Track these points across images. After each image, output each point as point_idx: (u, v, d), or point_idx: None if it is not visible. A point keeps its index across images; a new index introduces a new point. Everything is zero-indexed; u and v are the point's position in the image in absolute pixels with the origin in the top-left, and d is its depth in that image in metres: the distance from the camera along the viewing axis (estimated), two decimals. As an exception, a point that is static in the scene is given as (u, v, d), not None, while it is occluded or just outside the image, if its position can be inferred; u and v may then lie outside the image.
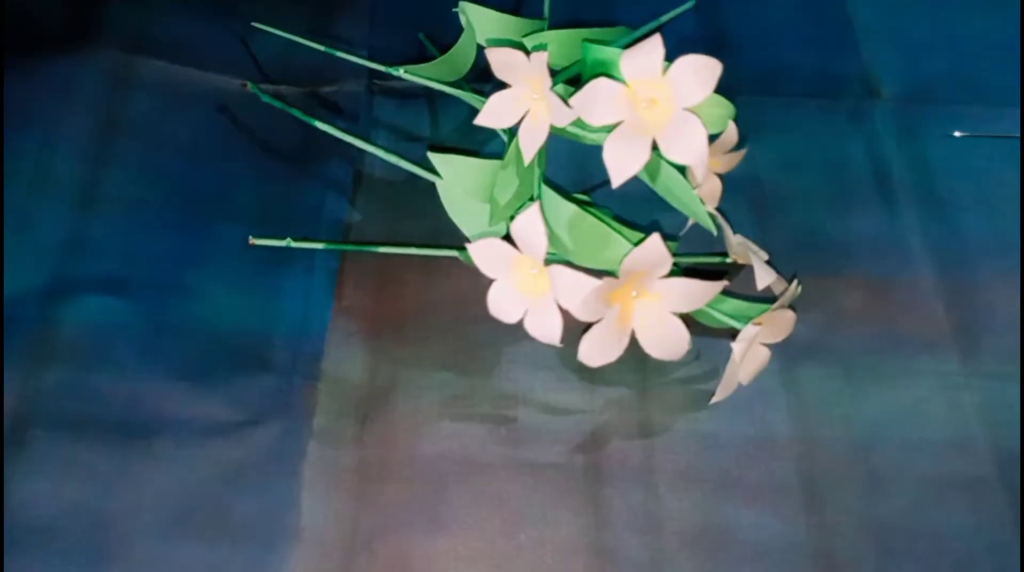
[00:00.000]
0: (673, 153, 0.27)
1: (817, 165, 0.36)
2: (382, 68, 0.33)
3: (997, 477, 0.29)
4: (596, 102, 0.27)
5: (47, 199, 0.34)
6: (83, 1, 0.39)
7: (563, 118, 0.27)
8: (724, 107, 0.29)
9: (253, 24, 0.36)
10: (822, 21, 0.41)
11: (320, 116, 0.34)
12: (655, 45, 0.27)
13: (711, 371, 0.30)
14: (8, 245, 0.33)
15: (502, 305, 0.28)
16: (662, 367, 0.30)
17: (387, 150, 0.33)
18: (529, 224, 0.27)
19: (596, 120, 0.27)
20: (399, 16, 0.39)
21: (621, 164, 0.27)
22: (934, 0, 0.42)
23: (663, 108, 0.27)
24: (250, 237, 0.32)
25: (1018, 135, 0.37)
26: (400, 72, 0.32)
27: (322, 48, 0.35)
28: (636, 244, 0.27)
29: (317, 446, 0.29)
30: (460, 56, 0.31)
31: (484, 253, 0.28)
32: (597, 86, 0.27)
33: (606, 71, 0.28)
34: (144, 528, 0.27)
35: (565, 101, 0.28)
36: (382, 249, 0.32)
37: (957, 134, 0.37)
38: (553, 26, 0.32)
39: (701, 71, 0.27)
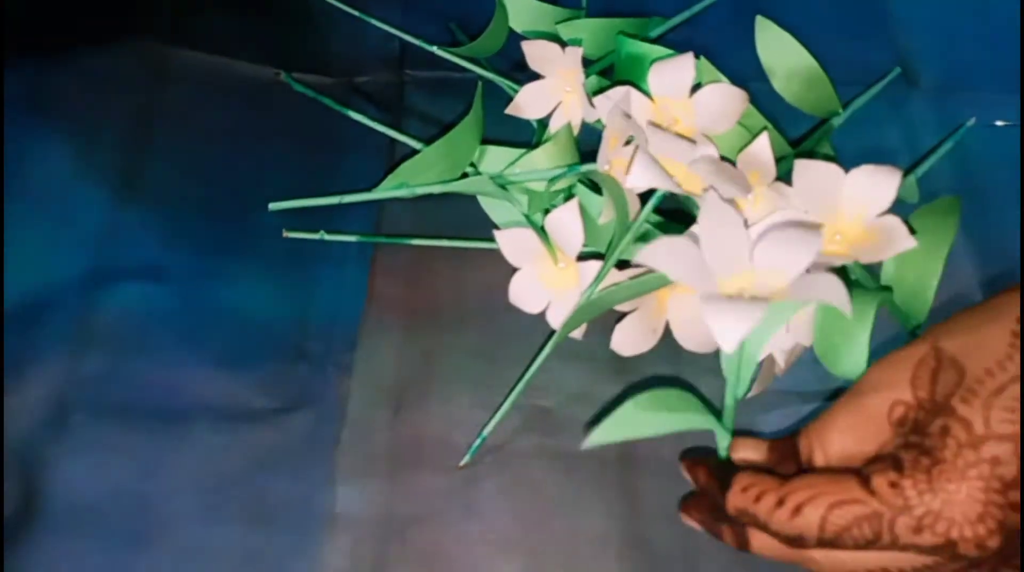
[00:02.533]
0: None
1: (855, 155, 0.36)
2: (417, 42, 0.33)
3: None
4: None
5: (87, 188, 0.34)
6: (121, -6, 0.40)
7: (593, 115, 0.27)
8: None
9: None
10: (859, 10, 0.40)
11: (353, 106, 0.34)
12: (687, 64, 0.26)
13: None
14: (49, 233, 0.33)
15: (524, 295, 0.28)
16: (696, 359, 0.29)
17: (419, 139, 0.33)
18: (566, 218, 0.27)
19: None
20: (431, 5, 0.39)
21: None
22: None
23: (685, 129, 0.27)
24: (284, 230, 0.32)
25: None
26: (435, 49, 0.32)
27: (356, 14, 0.35)
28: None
29: (350, 433, 0.29)
30: (492, 38, 0.31)
31: (511, 243, 0.28)
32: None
33: (638, 65, 0.28)
34: (181, 512, 0.27)
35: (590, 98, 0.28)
36: (414, 241, 0.32)
37: (999, 123, 0.36)
38: (589, 14, 0.32)
39: (729, 99, 0.26)
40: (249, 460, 0.28)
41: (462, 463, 0.28)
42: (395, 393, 0.30)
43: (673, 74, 0.27)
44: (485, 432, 0.28)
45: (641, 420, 0.22)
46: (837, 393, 0.29)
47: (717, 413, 0.24)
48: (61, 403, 0.29)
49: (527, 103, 0.30)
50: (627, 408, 0.22)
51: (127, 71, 0.37)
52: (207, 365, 0.30)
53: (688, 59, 0.26)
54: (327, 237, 0.32)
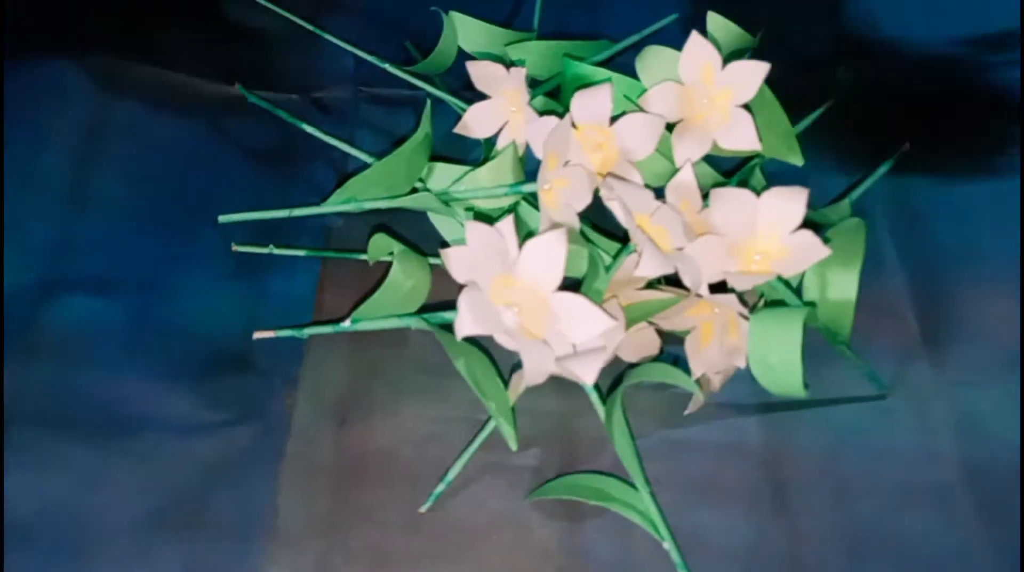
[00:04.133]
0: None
1: (793, 177, 0.37)
2: (371, 58, 0.34)
3: (962, 482, 0.29)
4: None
5: (36, 200, 0.34)
6: (73, 6, 0.40)
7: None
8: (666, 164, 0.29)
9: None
10: (812, 34, 0.41)
11: (307, 120, 0.34)
12: (604, 93, 0.27)
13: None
14: (-6, 244, 0.33)
15: (469, 317, 0.29)
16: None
17: (371, 154, 0.33)
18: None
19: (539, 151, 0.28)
20: (387, 23, 0.40)
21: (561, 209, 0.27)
22: (920, 10, 0.42)
23: (608, 156, 0.28)
24: (232, 244, 0.33)
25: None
26: (387, 66, 0.33)
27: (313, 29, 0.35)
28: (614, 258, 0.27)
29: (295, 446, 0.29)
30: (441, 57, 0.32)
31: (457, 260, 0.29)
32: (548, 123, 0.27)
33: (583, 87, 0.29)
34: (123, 525, 0.27)
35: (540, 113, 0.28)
36: (362, 256, 0.32)
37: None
38: (540, 36, 0.33)
39: (647, 127, 0.27)
40: (193, 473, 0.28)
41: (423, 509, 0.28)
42: (341, 406, 0.30)
43: (593, 103, 0.27)
44: (450, 476, 0.28)
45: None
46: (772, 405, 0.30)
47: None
48: (2, 415, 0.29)
49: (474, 122, 0.31)
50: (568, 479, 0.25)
51: (78, 83, 0.37)
52: (153, 378, 0.30)
53: (606, 89, 0.28)
54: (276, 251, 0.32)
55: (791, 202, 0.25)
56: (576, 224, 0.27)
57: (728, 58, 0.29)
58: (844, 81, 0.39)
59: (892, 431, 0.30)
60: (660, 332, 0.30)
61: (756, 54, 0.30)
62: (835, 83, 0.39)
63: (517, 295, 0.24)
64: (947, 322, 0.33)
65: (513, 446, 0.28)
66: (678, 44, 0.29)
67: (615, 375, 0.29)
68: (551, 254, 0.24)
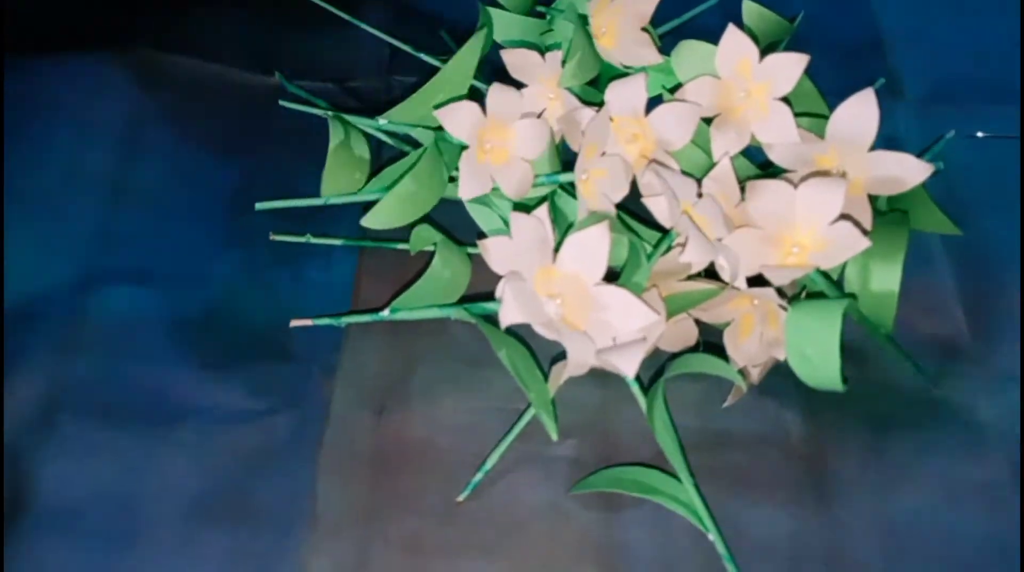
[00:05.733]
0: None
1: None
2: (406, 47, 0.34)
3: (1011, 481, 0.29)
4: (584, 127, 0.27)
5: (79, 192, 0.35)
6: (115, 1, 0.40)
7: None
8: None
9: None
10: (849, 23, 0.41)
11: (342, 108, 0.35)
12: (638, 83, 0.27)
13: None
14: (41, 237, 0.34)
15: (514, 305, 0.29)
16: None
17: (406, 144, 0.33)
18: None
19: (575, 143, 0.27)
20: (422, 13, 0.40)
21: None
22: (958, 2, 0.42)
23: (645, 146, 0.27)
24: (271, 233, 0.33)
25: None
26: (422, 55, 0.33)
27: (349, 19, 0.35)
28: (655, 247, 0.27)
29: (334, 434, 0.29)
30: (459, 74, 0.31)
31: (495, 250, 0.28)
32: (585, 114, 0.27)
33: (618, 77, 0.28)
34: (167, 512, 0.28)
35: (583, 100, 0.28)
36: (399, 245, 0.32)
37: (979, 135, 0.37)
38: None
39: (683, 116, 0.27)
40: (234, 461, 0.29)
41: (460, 498, 0.28)
42: (379, 395, 0.30)
43: (628, 93, 0.27)
44: (487, 465, 0.28)
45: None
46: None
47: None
48: (49, 405, 0.30)
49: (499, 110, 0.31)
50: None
51: (119, 76, 0.38)
52: (194, 367, 0.31)
53: (640, 79, 0.27)
54: (313, 240, 0.33)
55: (830, 193, 0.24)
56: (613, 213, 0.27)
57: (766, 48, 0.28)
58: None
59: (938, 426, 0.30)
60: (697, 321, 0.29)
61: (793, 41, 0.30)
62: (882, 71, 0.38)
63: (560, 286, 0.24)
64: (995, 317, 0.32)
65: (554, 436, 0.27)
66: (716, 24, 0.28)
67: (655, 366, 0.29)
68: (595, 247, 0.24)
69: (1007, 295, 0.33)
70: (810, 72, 0.29)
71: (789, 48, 0.31)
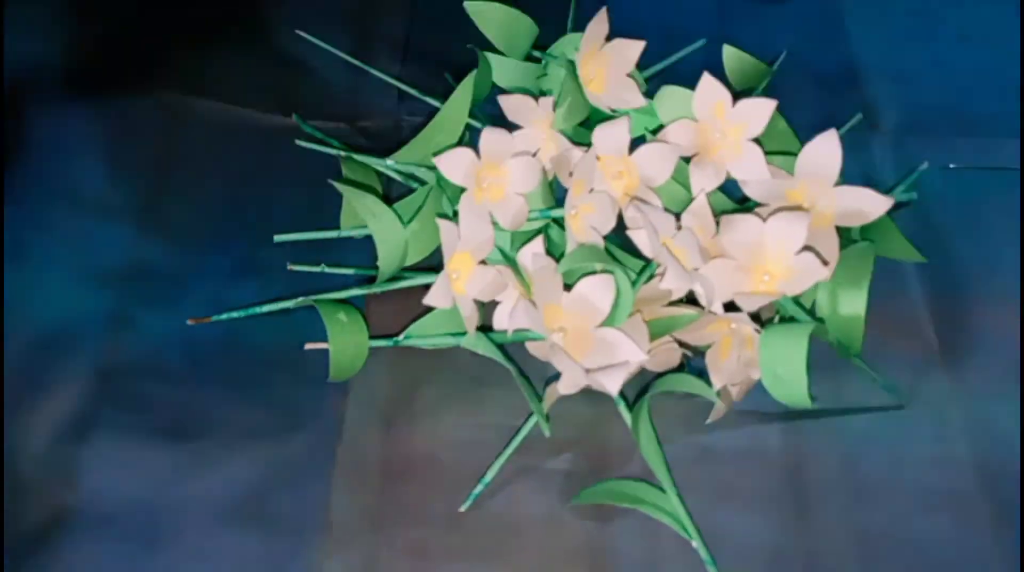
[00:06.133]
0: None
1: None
2: (413, 91, 0.37)
3: (979, 491, 0.30)
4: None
5: (110, 225, 0.38)
6: (146, 46, 0.43)
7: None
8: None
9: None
10: (826, 58, 0.43)
11: (354, 147, 0.37)
12: (623, 126, 0.30)
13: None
14: (76, 267, 0.36)
15: (507, 322, 0.30)
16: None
17: (414, 179, 0.36)
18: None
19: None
20: (428, 57, 0.43)
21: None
22: (931, 36, 0.44)
23: (630, 183, 0.30)
24: (288, 263, 0.35)
25: (1009, 166, 0.39)
26: (428, 99, 0.36)
27: (360, 64, 0.38)
28: (638, 274, 0.29)
29: (346, 449, 0.32)
30: (476, 90, 0.34)
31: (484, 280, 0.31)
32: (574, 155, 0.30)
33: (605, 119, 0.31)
34: (192, 519, 0.30)
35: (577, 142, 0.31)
36: (406, 274, 0.35)
37: (952, 166, 0.39)
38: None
39: (664, 155, 0.29)
40: (254, 473, 0.31)
41: (463, 508, 0.30)
42: (387, 413, 0.33)
43: (613, 134, 0.30)
44: (488, 478, 0.30)
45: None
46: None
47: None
48: (85, 422, 0.32)
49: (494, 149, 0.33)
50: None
51: (149, 118, 0.41)
52: (218, 388, 0.33)
53: (624, 122, 0.30)
54: (328, 270, 0.35)
55: (795, 226, 0.27)
56: (601, 245, 0.29)
57: (746, 91, 0.30)
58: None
59: (909, 439, 0.32)
60: (684, 345, 0.31)
61: (773, 77, 0.32)
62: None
63: (566, 321, 0.27)
64: (964, 334, 0.34)
65: (547, 433, 0.30)
66: (706, 64, 0.31)
67: (641, 385, 0.31)
68: (601, 294, 0.27)
69: (976, 317, 0.35)
70: (790, 105, 0.31)
71: (770, 83, 0.34)
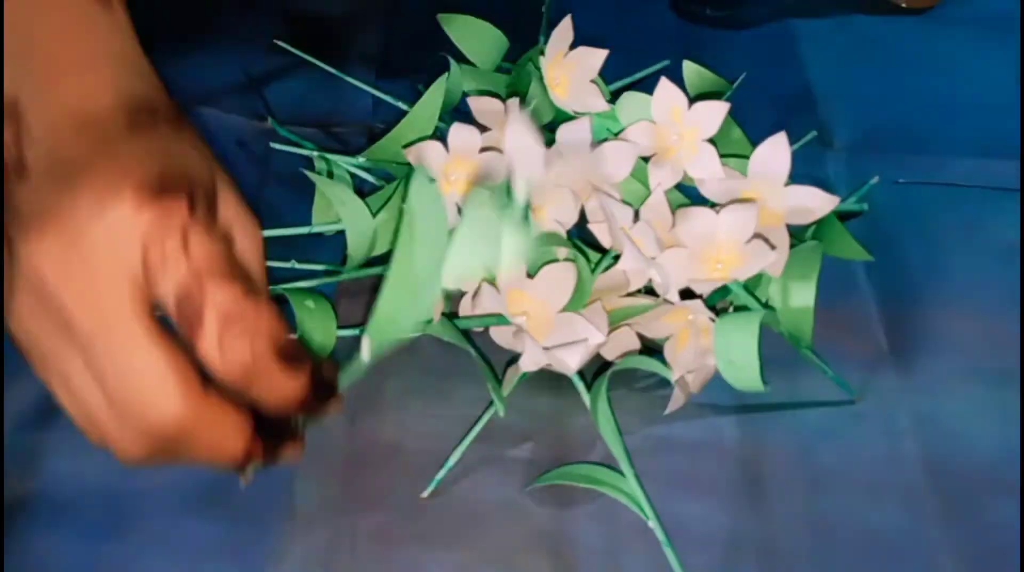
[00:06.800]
0: None
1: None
2: (387, 98, 0.38)
3: (926, 483, 0.32)
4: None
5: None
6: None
7: None
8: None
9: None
10: (783, 79, 0.46)
11: (328, 150, 0.38)
12: (584, 125, 0.31)
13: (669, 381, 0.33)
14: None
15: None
16: (626, 376, 0.33)
17: (384, 181, 0.37)
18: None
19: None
20: (401, 68, 0.44)
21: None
22: (884, 61, 0.47)
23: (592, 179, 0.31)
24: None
25: (956, 183, 0.41)
26: (401, 104, 0.36)
27: (336, 73, 0.39)
28: (595, 265, 0.31)
29: (310, 437, 0.32)
30: (448, 98, 0.35)
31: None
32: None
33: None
34: (155, 507, 0.30)
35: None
36: (375, 271, 0.36)
37: (900, 181, 0.41)
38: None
39: (624, 153, 0.31)
40: (219, 460, 0.31)
41: (425, 494, 0.30)
42: (353, 403, 0.33)
43: (575, 134, 0.31)
44: (450, 463, 0.31)
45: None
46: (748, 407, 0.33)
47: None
48: (47, 407, 0.32)
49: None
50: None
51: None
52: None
53: (585, 120, 0.31)
54: (298, 266, 0.36)
55: (745, 216, 0.28)
56: (564, 236, 0.30)
57: (700, 99, 0.32)
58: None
59: (860, 433, 0.33)
60: (644, 339, 0.32)
61: (732, 98, 0.34)
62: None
63: (529, 306, 0.29)
64: (913, 335, 0.36)
65: (502, 413, 0.30)
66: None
67: (598, 366, 0.32)
68: (562, 280, 0.29)
69: (923, 319, 0.36)
70: (747, 124, 0.33)
71: (730, 103, 0.36)
